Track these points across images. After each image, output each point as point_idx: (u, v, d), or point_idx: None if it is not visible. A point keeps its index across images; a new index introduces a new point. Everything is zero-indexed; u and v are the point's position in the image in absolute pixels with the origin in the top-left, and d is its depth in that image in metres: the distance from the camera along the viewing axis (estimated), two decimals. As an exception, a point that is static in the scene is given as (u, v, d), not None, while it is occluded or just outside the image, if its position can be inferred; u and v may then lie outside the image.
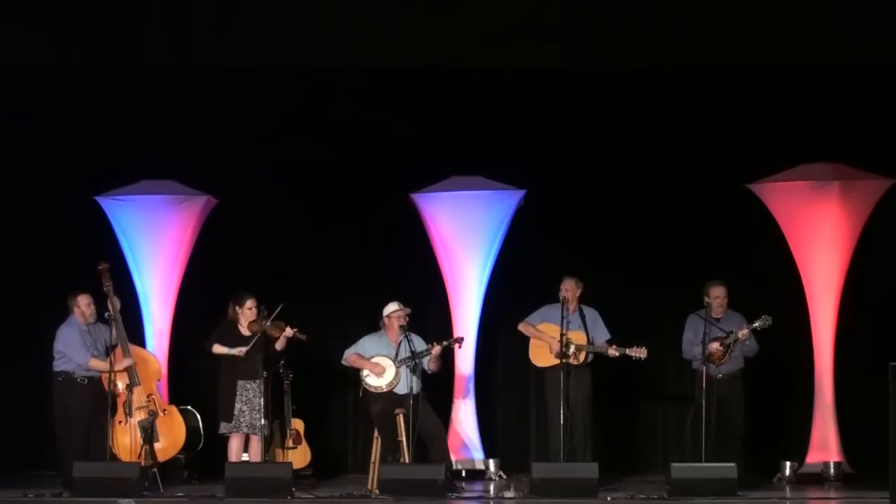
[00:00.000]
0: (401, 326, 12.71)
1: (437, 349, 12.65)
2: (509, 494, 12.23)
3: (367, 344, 12.83)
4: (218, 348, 12.68)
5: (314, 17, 13.88)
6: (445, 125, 14.37)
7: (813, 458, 13.67)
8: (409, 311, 12.79)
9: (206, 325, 12.96)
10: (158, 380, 13.21)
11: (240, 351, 12.57)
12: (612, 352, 12.78)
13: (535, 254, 14.26)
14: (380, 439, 12.65)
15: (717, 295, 12.83)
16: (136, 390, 12.69)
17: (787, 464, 13.54)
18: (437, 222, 14.15)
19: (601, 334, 12.93)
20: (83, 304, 12.73)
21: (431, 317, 14.07)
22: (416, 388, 12.58)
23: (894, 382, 11.34)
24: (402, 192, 14.16)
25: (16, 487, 12.72)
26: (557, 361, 12.73)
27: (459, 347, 13.19)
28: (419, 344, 12.72)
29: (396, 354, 12.71)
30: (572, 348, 12.75)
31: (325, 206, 14.48)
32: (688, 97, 14.29)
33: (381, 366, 12.71)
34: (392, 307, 12.80)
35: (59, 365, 12.66)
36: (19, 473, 13.73)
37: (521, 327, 13.07)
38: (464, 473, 13.74)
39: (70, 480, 12.22)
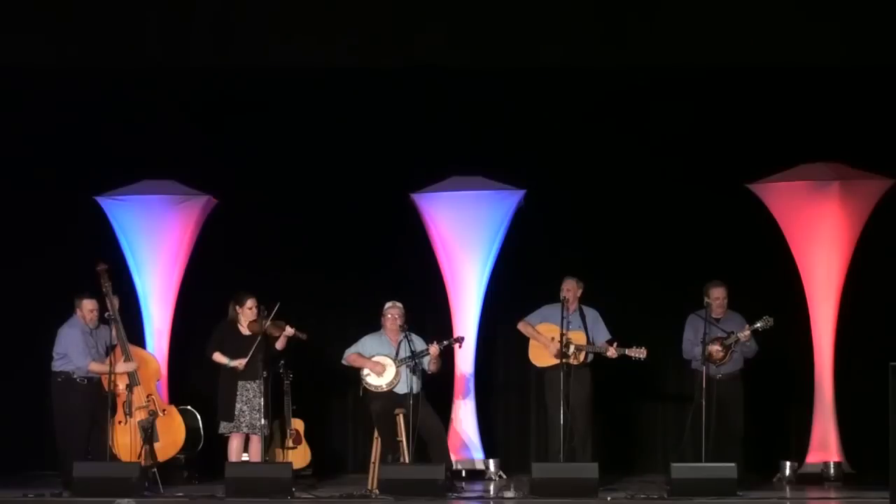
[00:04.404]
0: (401, 326, 12.72)
1: (434, 349, 12.65)
2: (509, 494, 12.23)
3: (367, 343, 12.83)
4: (218, 357, 12.67)
5: (314, 17, 13.87)
6: (445, 125, 14.37)
7: (813, 458, 13.66)
8: (400, 305, 12.79)
9: (206, 325, 12.97)
10: (158, 380, 13.22)
11: (239, 363, 12.56)
12: (612, 352, 12.78)
13: (535, 254, 14.26)
14: (380, 439, 12.65)
15: (717, 296, 12.83)
16: (136, 390, 12.69)
17: (787, 464, 13.55)
18: (437, 222, 14.15)
19: (601, 334, 12.93)
20: (86, 309, 12.74)
21: (431, 317, 14.07)
22: (416, 387, 12.58)
23: (894, 382, 11.34)
24: (402, 192, 14.16)
25: (16, 487, 12.73)
26: (557, 361, 12.73)
27: (460, 347, 13.19)
28: (420, 344, 12.72)
29: (397, 354, 12.72)
30: (572, 348, 12.75)
31: (325, 206, 14.48)
32: (687, 97, 14.29)
33: (381, 364, 12.72)
34: (386, 305, 12.84)
35: (58, 365, 12.67)
36: (19, 473, 13.72)
37: (521, 326, 13.07)
38: (464, 473, 13.74)
39: (70, 480, 12.22)
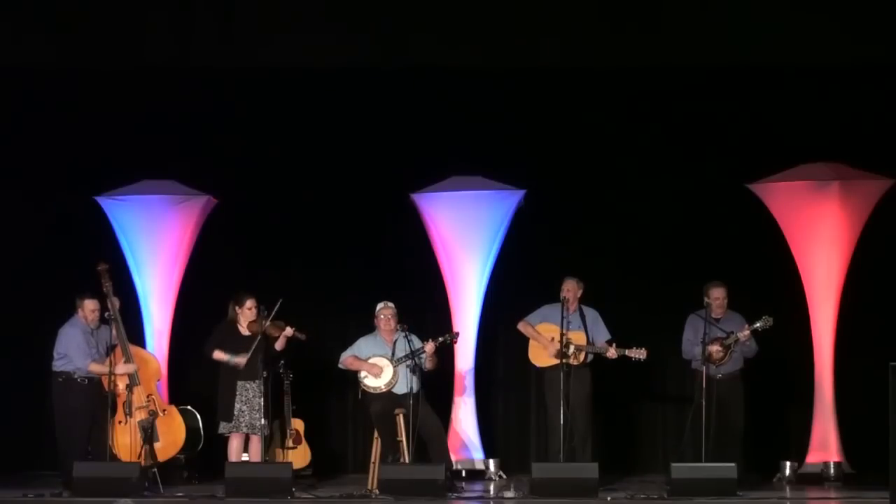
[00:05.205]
0: (399, 326, 12.71)
1: (430, 346, 12.65)
2: (509, 494, 12.23)
3: (362, 345, 12.83)
4: (218, 354, 12.67)
5: (314, 17, 13.88)
6: (445, 125, 14.37)
7: (813, 458, 13.66)
8: (392, 306, 12.78)
9: (206, 324, 12.96)
10: (158, 380, 13.21)
11: (240, 360, 12.55)
12: (612, 353, 12.77)
13: (535, 254, 14.26)
14: (380, 439, 12.65)
15: (717, 296, 12.83)
16: (136, 390, 12.69)
17: (787, 464, 13.55)
18: (437, 222, 14.15)
19: (601, 334, 12.92)
20: (88, 309, 12.73)
21: (431, 317, 14.07)
22: (415, 387, 12.58)
23: (894, 382, 11.34)
24: (402, 192, 14.16)
25: (16, 487, 12.73)
26: (557, 361, 12.73)
27: (456, 343, 13.17)
28: (418, 344, 12.72)
29: (392, 354, 12.72)
30: (572, 348, 12.75)
31: (325, 206, 14.48)
32: (688, 97, 14.28)
33: (378, 366, 12.71)
34: (378, 306, 12.84)
35: (59, 365, 12.66)
36: (19, 473, 13.73)
37: (521, 327, 13.07)
38: (464, 473, 13.74)
39: (70, 480, 12.23)
